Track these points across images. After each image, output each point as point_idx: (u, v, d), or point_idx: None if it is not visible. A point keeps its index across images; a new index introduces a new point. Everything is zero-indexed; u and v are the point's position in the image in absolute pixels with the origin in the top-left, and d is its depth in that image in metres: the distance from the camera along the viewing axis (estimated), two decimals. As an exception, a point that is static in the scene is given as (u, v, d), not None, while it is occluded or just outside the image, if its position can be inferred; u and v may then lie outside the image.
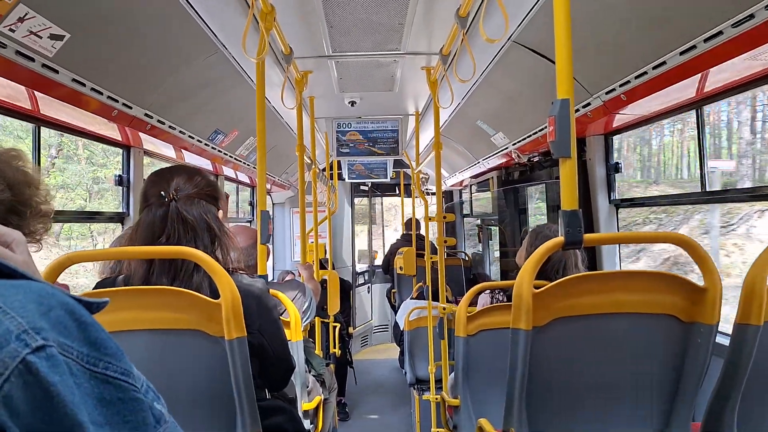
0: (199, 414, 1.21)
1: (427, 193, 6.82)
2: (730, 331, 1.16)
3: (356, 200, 7.30)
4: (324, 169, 4.94)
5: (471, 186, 6.03)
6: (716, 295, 1.16)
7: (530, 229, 2.19)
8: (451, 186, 6.69)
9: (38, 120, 2.05)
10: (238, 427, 1.18)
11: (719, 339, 1.25)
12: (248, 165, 3.98)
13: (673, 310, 1.21)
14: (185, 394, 1.19)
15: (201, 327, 1.16)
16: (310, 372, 2.34)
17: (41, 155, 2.12)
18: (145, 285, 1.24)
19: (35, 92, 1.72)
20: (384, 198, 7.86)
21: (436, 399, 2.76)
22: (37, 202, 0.96)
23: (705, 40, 1.66)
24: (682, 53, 1.78)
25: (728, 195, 2.52)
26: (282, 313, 1.81)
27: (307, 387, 2.13)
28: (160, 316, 1.16)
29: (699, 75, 1.89)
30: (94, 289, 1.28)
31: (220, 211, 1.37)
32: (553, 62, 2.36)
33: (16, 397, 0.34)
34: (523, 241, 2.17)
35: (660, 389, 1.23)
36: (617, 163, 2.84)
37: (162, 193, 1.27)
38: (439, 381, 3.09)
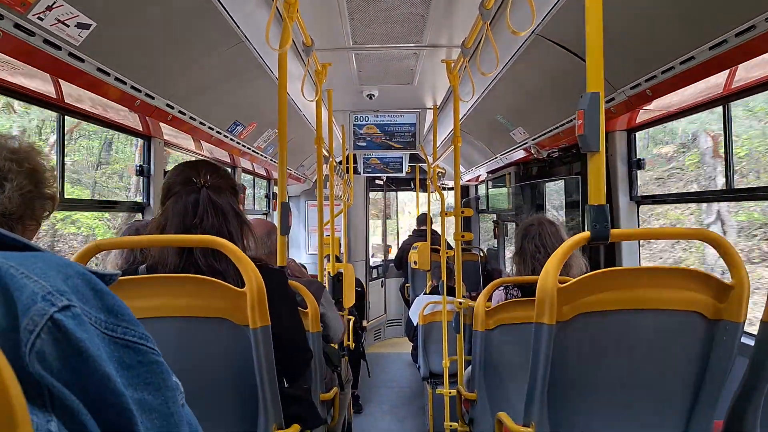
0: (223, 401, 1.23)
1: (443, 188, 6.80)
2: (755, 332, 1.14)
3: (371, 195, 7.30)
4: (340, 163, 4.95)
5: (487, 181, 5.99)
6: (743, 292, 1.14)
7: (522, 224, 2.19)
8: (467, 181, 6.65)
9: (62, 109, 2.08)
10: (260, 415, 1.20)
11: (744, 339, 1.23)
12: (266, 157, 4.00)
13: (699, 307, 1.19)
14: (210, 381, 1.21)
15: (227, 315, 1.18)
16: (326, 364, 2.36)
17: (65, 142, 2.16)
18: (178, 268, 1.26)
19: (60, 80, 1.75)
20: (399, 192, 7.85)
21: (451, 393, 2.76)
22: (47, 191, 1.07)
23: (736, 35, 1.62)
24: (711, 48, 1.74)
25: (754, 193, 2.47)
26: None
27: (324, 378, 2.14)
28: (186, 304, 1.18)
29: (727, 71, 1.85)
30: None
31: (240, 205, 1.41)
32: (578, 57, 2.35)
33: (48, 352, 0.35)
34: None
35: (683, 387, 1.22)
36: (640, 159, 2.79)
37: (193, 179, 1.29)
38: (453, 375, 3.09)
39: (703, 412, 1.21)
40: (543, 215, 2.24)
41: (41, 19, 1.46)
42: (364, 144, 4.16)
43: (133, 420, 0.39)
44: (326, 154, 3.70)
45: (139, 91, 2.06)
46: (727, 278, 1.18)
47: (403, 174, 5.72)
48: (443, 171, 6.55)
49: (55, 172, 1.19)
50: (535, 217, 2.18)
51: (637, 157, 2.79)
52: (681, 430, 1.23)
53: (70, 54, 1.62)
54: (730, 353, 1.17)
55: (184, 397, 0.47)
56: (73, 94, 1.93)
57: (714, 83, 1.99)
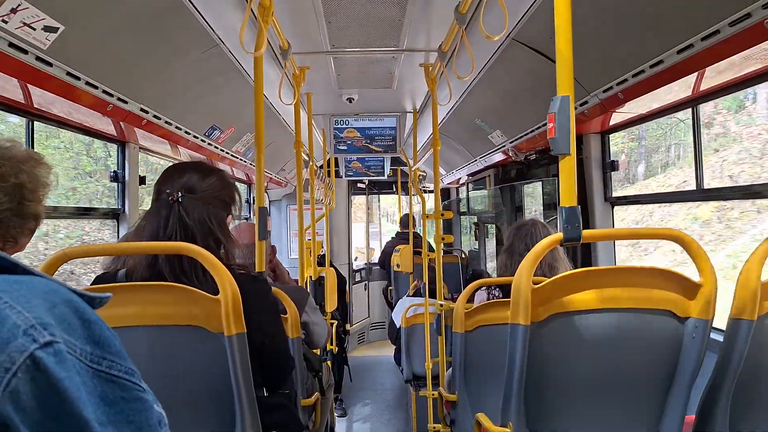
0: (199, 410, 1.21)
1: (424, 191, 6.83)
2: (723, 327, 1.17)
3: (353, 198, 7.29)
4: (321, 167, 4.94)
5: (468, 184, 6.04)
6: (711, 291, 1.16)
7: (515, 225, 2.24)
8: (448, 184, 6.70)
9: (31, 114, 2.03)
10: (237, 424, 1.18)
11: (713, 335, 1.26)
12: (245, 162, 3.97)
13: (670, 305, 1.21)
14: (185, 391, 1.19)
15: (201, 323, 1.16)
16: (307, 369, 2.35)
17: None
18: (148, 281, 1.23)
19: (28, 85, 1.71)
20: (381, 195, 7.86)
21: (433, 395, 2.77)
22: (31, 209, 0.96)
23: (702, 39, 1.67)
24: (679, 52, 1.78)
25: (723, 193, 2.54)
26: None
27: (305, 384, 2.13)
28: (160, 312, 1.16)
29: (695, 74, 1.90)
30: (92, 284, 1.28)
31: (230, 217, 1.36)
32: (552, 60, 2.38)
33: (23, 392, 0.33)
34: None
35: (655, 384, 1.24)
36: (614, 161, 2.86)
37: (168, 191, 1.26)
38: (435, 377, 3.10)
39: (674, 407, 1.23)
40: (538, 219, 2.28)
41: (5, 22, 1.42)
42: (345, 148, 4.16)
43: None
44: (306, 158, 3.69)
45: (111, 95, 2.02)
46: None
47: (385, 177, 5.72)
48: (424, 174, 6.58)
49: (44, 184, 1.11)
50: (530, 218, 2.22)
51: (611, 159, 2.86)
52: (654, 425, 1.25)
53: (38, 58, 1.58)
54: (700, 350, 1.19)
55: (168, 429, 0.45)
56: (43, 100, 1.88)
57: (684, 86, 2.05)
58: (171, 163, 1.56)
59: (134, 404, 0.41)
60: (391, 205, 9.10)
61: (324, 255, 4.89)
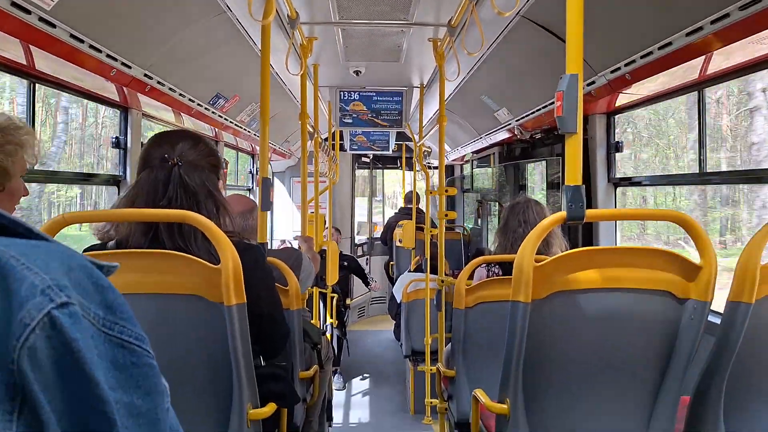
0: (197, 380, 1.22)
1: (429, 167, 6.80)
2: (721, 310, 1.18)
3: (357, 172, 7.27)
4: (326, 139, 4.90)
5: (472, 161, 6.01)
6: (711, 272, 1.17)
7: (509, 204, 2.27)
8: (453, 161, 6.66)
9: (33, 77, 2.01)
10: (235, 394, 1.18)
11: (710, 318, 1.27)
12: (249, 131, 3.94)
13: (669, 286, 1.22)
14: (183, 360, 1.20)
15: (200, 292, 1.16)
16: (306, 341, 2.38)
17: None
18: (144, 248, 1.22)
19: (30, 47, 1.68)
20: (385, 170, 7.83)
21: (432, 370, 2.82)
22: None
23: (712, 22, 1.64)
24: (688, 34, 1.75)
25: (726, 177, 2.53)
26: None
27: (304, 356, 2.16)
28: (159, 280, 1.15)
29: (703, 57, 1.87)
30: (83, 252, 1.27)
31: (220, 181, 1.37)
32: (561, 39, 2.35)
33: (40, 348, 0.34)
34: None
35: (652, 364, 1.26)
36: (618, 142, 2.84)
37: (166, 155, 1.25)
38: (434, 353, 3.14)
39: (670, 387, 1.25)
40: (532, 197, 2.30)
41: (9, -19, 1.39)
42: (350, 121, 4.12)
43: (114, 429, 0.38)
44: (311, 130, 3.66)
45: (115, 59, 1.99)
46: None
47: (390, 152, 5.69)
48: (429, 150, 6.55)
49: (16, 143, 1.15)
50: (525, 196, 2.24)
51: (616, 140, 2.84)
52: (649, 404, 1.28)
53: (41, 19, 1.56)
54: (698, 331, 1.21)
55: (170, 400, 0.46)
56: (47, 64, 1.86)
57: (691, 69, 2.02)
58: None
59: (143, 369, 0.42)
60: (394, 182, 9.04)
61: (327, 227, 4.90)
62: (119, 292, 0.43)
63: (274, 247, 4.77)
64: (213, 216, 1.27)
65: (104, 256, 1.17)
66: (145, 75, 2.24)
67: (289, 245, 3.49)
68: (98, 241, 1.31)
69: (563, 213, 1.14)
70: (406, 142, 6.17)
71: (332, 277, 3.53)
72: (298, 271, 2.04)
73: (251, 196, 4.70)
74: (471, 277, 2.10)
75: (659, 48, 1.90)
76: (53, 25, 1.61)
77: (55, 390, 0.35)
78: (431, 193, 3.35)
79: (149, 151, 1.28)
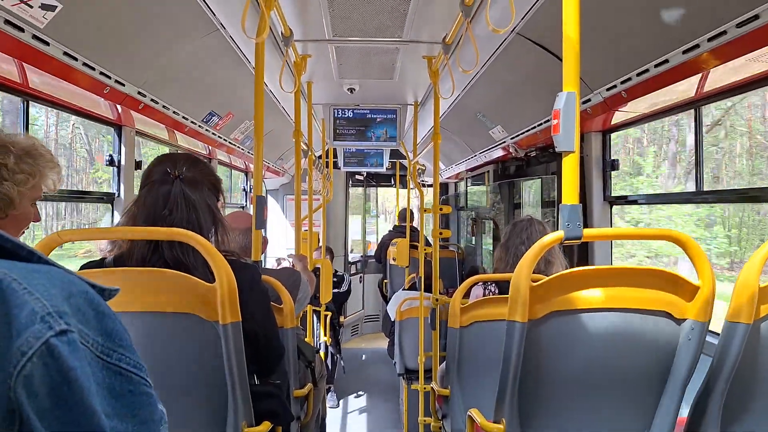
0: (191, 398, 1.20)
1: (423, 185, 6.81)
2: (718, 330, 1.16)
3: (351, 190, 7.27)
4: (320, 157, 4.91)
5: (466, 179, 6.03)
6: (710, 293, 1.16)
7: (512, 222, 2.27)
8: (447, 178, 6.68)
9: (27, 95, 2.00)
10: (230, 413, 1.18)
11: (707, 338, 1.26)
12: (243, 149, 3.94)
13: (667, 307, 1.21)
14: (178, 378, 1.19)
15: (195, 311, 1.15)
16: (300, 359, 2.34)
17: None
18: (144, 265, 1.23)
19: (24, 65, 1.67)
20: (379, 188, 7.83)
21: (426, 389, 2.77)
22: (8, 188, 1.01)
23: (708, 40, 1.65)
24: (684, 52, 1.77)
25: (722, 195, 2.54)
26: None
27: (298, 374, 2.12)
28: (154, 299, 1.15)
29: (699, 74, 1.89)
30: (80, 269, 1.26)
31: (219, 202, 1.40)
32: (556, 56, 2.37)
33: (36, 377, 0.34)
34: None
35: (649, 384, 1.24)
36: (614, 160, 2.85)
37: (168, 170, 1.28)
38: (428, 371, 3.10)
39: (667, 408, 1.23)
40: (535, 217, 2.30)
41: (2, -1, 1.39)
42: (344, 139, 4.13)
43: None
44: (305, 147, 3.66)
45: (109, 77, 1.99)
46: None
47: (384, 169, 5.70)
48: (423, 167, 6.57)
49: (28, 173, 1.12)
50: (528, 216, 2.24)
51: (612, 158, 2.84)
52: (646, 425, 1.26)
53: (35, 36, 1.55)
54: (695, 352, 1.19)
55: (167, 428, 0.46)
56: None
57: (687, 86, 2.04)
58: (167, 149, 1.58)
59: (140, 398, 0.42)
60: (387, 199, 9.06)
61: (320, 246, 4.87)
62: (119, 320, 0.43)
63: (268, 266, 4.74)
64: (208, 229, 1.30)
65: (101, 273, 1.16)
66: (139, 93, 2.24)
67: (286, 262, 3.46)
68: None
69: (561, 232, 1.13)
70: (400, 160, 6.19)
71: (326, 295, 3.50)
72: (296, 292, 2.02)
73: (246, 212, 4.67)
74: (466, 295, 2.08)
75: (656, 65, 1.91)
76: (47, 43, 1.61)
77: (52, 418, 0.35)
78: (426, 211, 3.35)
79: (151, 170, 1.31)
